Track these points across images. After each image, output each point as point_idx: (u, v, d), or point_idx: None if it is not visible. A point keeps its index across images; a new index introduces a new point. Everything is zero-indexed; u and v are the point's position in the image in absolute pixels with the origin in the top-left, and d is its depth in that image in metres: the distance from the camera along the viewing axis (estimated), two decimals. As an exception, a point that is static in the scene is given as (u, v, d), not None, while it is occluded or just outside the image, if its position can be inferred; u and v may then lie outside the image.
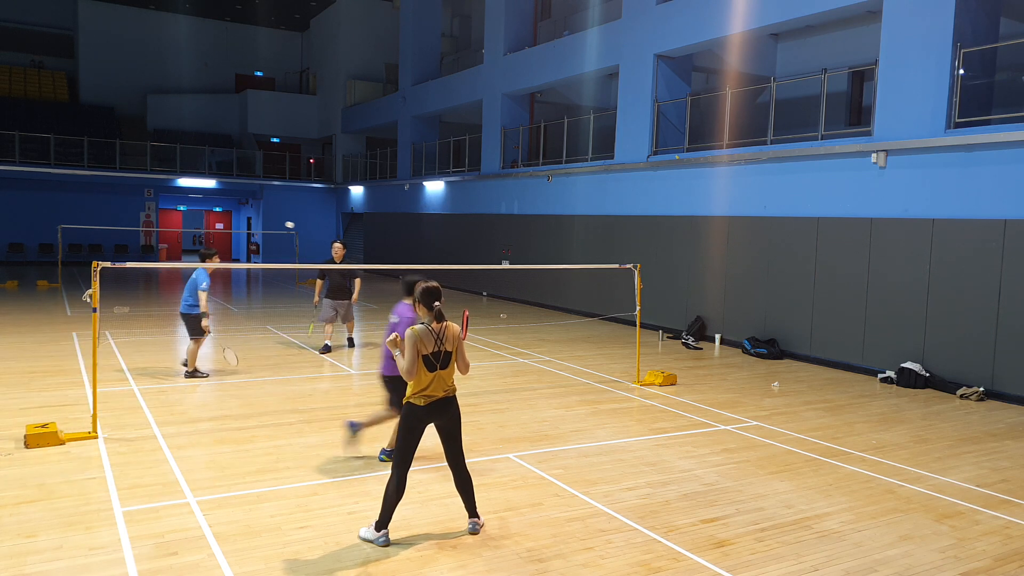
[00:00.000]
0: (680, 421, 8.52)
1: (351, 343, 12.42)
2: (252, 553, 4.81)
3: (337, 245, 11.99)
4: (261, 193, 33.67)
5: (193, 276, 9.87)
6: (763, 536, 5.35)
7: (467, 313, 5.76)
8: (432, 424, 5.13)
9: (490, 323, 16.22)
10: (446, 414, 5.13)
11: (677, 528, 5.45)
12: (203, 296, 9.74)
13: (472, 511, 5.27)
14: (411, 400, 5.05)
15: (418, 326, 5.03)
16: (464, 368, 5.22)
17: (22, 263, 28.96)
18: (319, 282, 12.06)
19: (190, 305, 9.88)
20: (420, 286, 5.12)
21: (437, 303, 5.08)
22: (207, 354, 10.60)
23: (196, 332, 9.93)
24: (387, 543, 4.99)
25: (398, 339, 5.03)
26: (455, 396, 5.18)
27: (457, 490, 5.25)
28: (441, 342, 5.04)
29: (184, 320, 10.00)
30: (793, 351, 12.91)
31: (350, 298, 12.00)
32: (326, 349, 12.02)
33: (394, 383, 6.43)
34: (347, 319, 12.14)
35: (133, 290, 21.31)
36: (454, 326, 5.17)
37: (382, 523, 5.01)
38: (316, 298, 12.01)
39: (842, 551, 5.14)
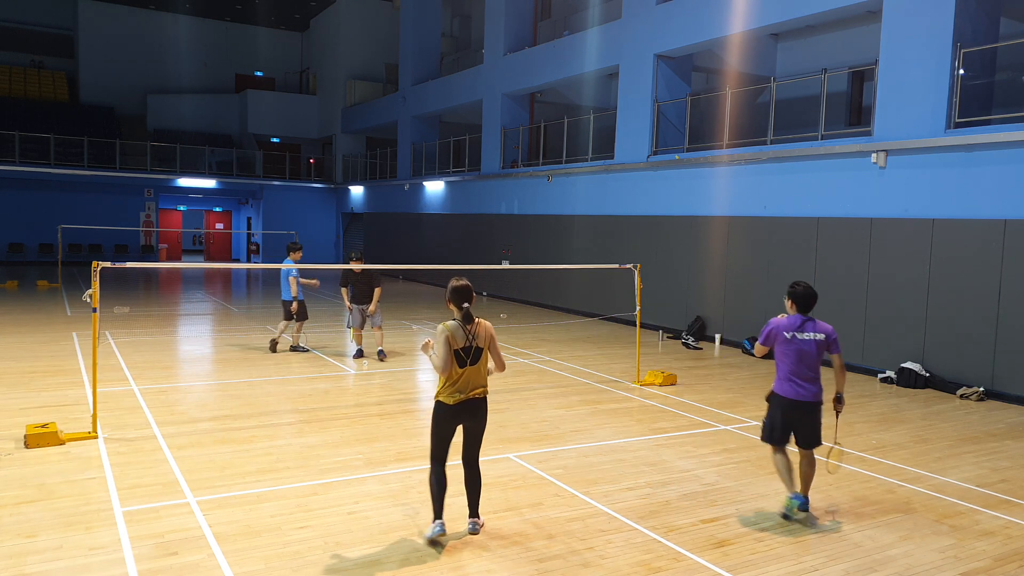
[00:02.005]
0: (680, 421, 8.52)
1: (381, 355, 11.62)
2: (252, 553, 4.81)
3: (354, 263, 11.51)
4: (261, 193, 33.67)
5: (285, 271, 11.76)
6: (763, 536, 5.35)
7: None
8: (460, 425, 5.12)
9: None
10: (475, 417, 5.10)
11: (677, 528, 5.45)
12: (293, 282, 11.73)
13: (474, 511, 5.27)
14: (440, 399, 5.03)
15: (450, 322, 5.03)
16: (500, 365, 5.23)
17: (22, 263, 28.96)
18: (344, 290, 11.74)
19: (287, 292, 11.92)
20: (450, 284, 5.13)
21: (467, 304, 5.06)
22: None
23: (288, 316, 11.95)
24: (441, 532, 5.01)
25: (430, 342, 5.04)
26: (485, 398, 5.15)
27: (465, 486, 5.23)
28: (473, 338, 5.03)
29: (284, 306, 12.05)
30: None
31: (378, 287, 11.73)
32: (359, 354, 11.75)
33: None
34: (375, 324, 11.68)
35: (133, 290, 21.32)
36: (487, 324, 5.16)
37: (435, 515, 5.06)
38: (348, 303, 11.71)
39: (842, 551, 5.14)
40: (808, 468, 5.71)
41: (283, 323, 12.11)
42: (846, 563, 4.95)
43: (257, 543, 4.96)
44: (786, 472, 5.68)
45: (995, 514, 5.92)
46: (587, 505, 5.83)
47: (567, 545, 5.09)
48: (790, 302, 5.74)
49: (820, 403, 5.65)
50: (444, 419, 5.03)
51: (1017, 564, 5.04)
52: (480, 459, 5.29)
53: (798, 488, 5.70)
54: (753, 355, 12.99)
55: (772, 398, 5.77)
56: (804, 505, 5.58)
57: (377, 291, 11.68)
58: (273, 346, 12.05)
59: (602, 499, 5.96)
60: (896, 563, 4.98)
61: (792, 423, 5.66)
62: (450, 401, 4.99)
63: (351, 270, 11.59)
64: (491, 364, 5.25)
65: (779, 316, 5.78)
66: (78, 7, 34.44)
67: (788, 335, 5.60)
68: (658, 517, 5.63)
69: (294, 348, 12.18)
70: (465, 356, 4.99)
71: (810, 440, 5.70)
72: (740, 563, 4.90)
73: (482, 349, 5.07)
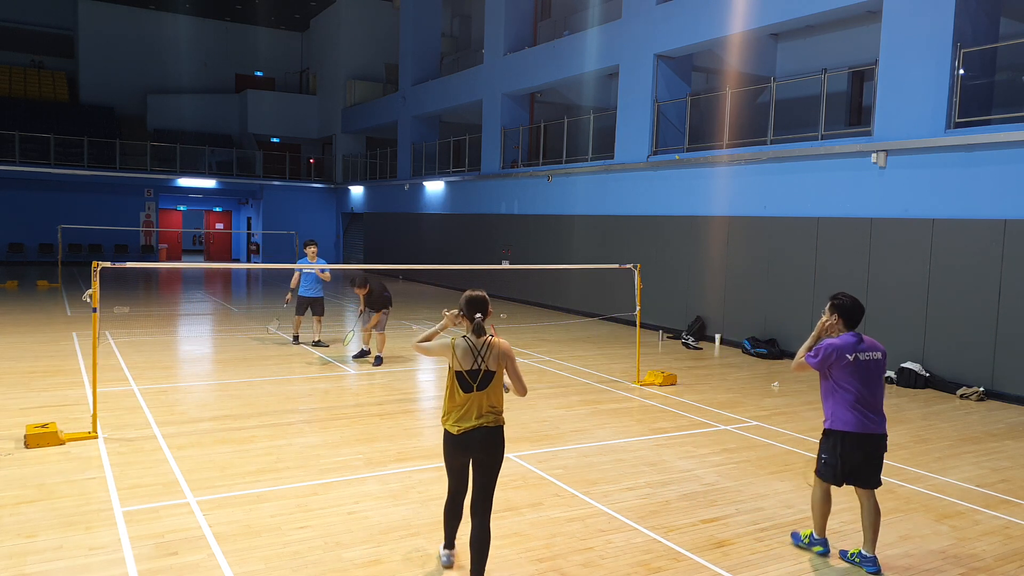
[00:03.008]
0: (680, 421, 8.52)
1: (377, 362, 11.39)
2: (252, 553, 4.81)
3: (358, 290, 11.44)
4: (261, 193, 33.67)
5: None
6: (763, 536, 5.35)
7: None
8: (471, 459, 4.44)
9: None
10: (485, 449, 4.35)
11: (677, 528, 5.45)
12: (295, 276, 12.49)
13: (477, 574, 4.36)
14: (445, 426, 4.42)
15: (459, 339, 4.42)
16: (520, 389, 4.50)
17: (22, 263, 28.96)
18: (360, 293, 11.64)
19: (309, 287, 12.49)
20: (464, 294, 4.55)
21: (479, 315, 4.42)
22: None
23: (319, 312, 12.58)
24: (448, 564, 4.70)
25: (451, 316, 4.55)
26: (501, 427, 4.42)
27: (470, 546, 4.39)
28: (482, 359, 4.36)
29: (315, 304, 12.64)
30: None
31: (388, 306, 11.56)
32: (361, 354, 11.68)
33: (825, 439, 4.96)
34: (378, 330, 11.51)
35: (133, 290, 21.32)
36: (503, 344, 4.47)
37: (446, 542, 4.78)
38: (361, 306, 11.69)
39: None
40: (874, 516, 4.87)
41: (315, 320, 12.62)
42: (846, 563, 4.95)
43: (257, 543, 4.96)
44: (824, 512, 5.05)
45: (995, 514, 5.93)
46: (587, 505, 5.83)
47: (567, 545, 5.09)
48: (836, 316, 4.91)
49: (886, 435, 4.91)
50: (451, 450, 4.43)
51: (1017, 564, 5.04)
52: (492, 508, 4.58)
53: (825, 532, 5.13)
54: (753, 355, 13.00)
55: (831, 434, 4.89)
56: (825, 552, 5.07)
57: (375, 317, 11.47)
58: (316, 343, 12.61)
59: (602, 499, 5.96)
60: (896, 563, 4.98)
61: (856, 460, 4.82)
62: (454, 430, 4.34)
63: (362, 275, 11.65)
64: (507, 380, 4.58)
65: (807, 322, 5.22)
66: (78, 7, 34.43)
67: (851, 357, 4.78)
68: (658, 517, 5.63)
69: (315, 343, 12.66)
70: (471, 380, 4.32)
71: (873, 479, 4.87)
72: (740, 563, 4.91)
73: (493, 372, 4.38)
